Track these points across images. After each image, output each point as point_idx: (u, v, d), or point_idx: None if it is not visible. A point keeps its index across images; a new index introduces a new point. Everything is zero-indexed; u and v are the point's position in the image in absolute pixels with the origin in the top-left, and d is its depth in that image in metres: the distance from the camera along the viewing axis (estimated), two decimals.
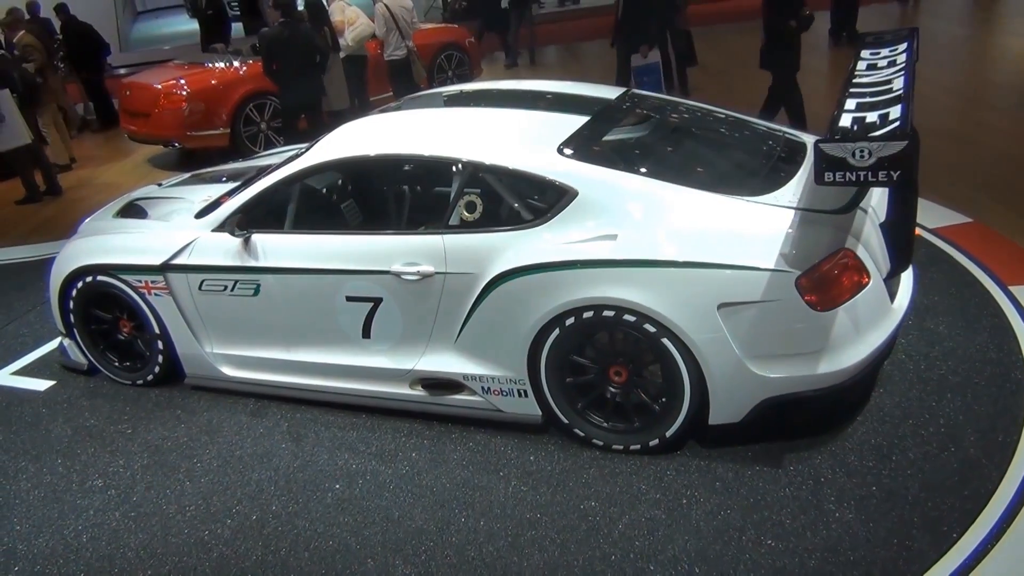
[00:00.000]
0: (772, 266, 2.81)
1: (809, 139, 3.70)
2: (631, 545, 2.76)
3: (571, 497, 3.02)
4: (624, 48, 8.19)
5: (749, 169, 3.41)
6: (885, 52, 3.66)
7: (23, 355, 4.80)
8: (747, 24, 12.92)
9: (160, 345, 4.02)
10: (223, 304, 3.77)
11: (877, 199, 3.20)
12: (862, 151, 2.49)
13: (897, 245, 3.08)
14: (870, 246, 3.01)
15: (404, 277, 3.31)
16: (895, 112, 2.76)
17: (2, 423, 4.07)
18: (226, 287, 3.73)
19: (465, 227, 3.28)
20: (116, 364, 4.25)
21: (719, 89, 8.90)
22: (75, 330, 4.24)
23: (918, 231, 3.40)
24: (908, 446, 3.06)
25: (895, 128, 2.58)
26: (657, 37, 8.89)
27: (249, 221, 3.66)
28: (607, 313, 3.00)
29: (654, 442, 3.15)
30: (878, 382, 3.42)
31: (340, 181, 3.94)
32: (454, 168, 3.40)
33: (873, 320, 3.00)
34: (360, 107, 8.08)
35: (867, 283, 2.94)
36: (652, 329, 2.95)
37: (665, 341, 2.95)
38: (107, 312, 4.16)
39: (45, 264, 4.40)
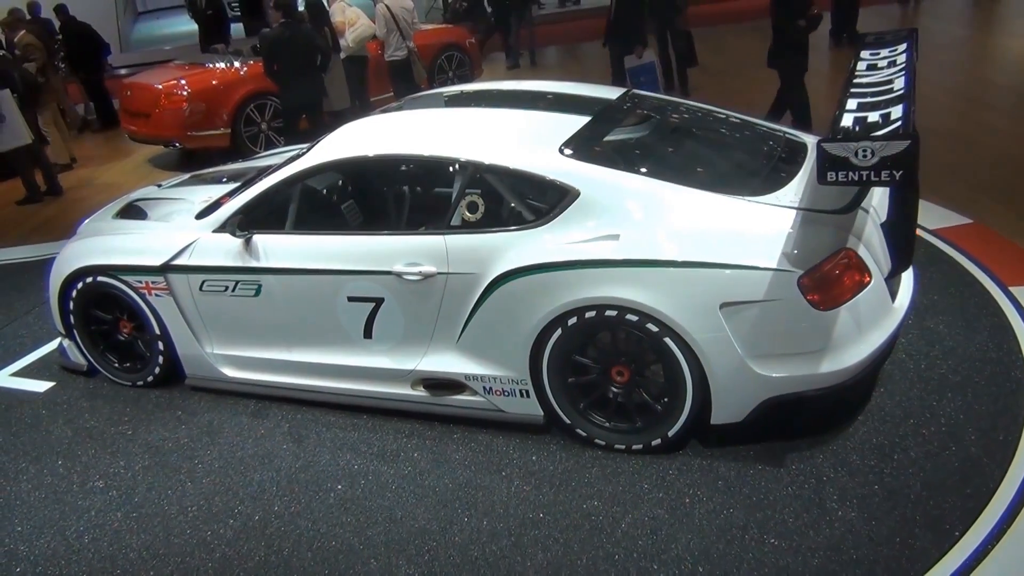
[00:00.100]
0: (774, 265, 2.81)
1: (810, 139, 3.71)
2: (634, 544, 2.76)
3: (574, 497, 3.02)
4: (617, 49, 8.21)
5: (750, 169, 3.42)
6: (885, 52, 3.67)
7: (22, 356, 4.79)
8: (747, 25, 12.99)
9: (160, 346, 4.01)
10: (224, 305, 3.77)
11: (878, 199, 3.21)
12: (865, 151, 2.50)
13: (898, 245, 3.09)
14: (871, 246, 3.02)
15: (406, 277, 3.31)
16: (897, 112, 2.77)
17: (2, 424, 4.06)
18: (227, 288, 3.72)
19: (467, 227, 3.28)
20: (116, 365, 4.25)
21: (719, 90, 8.92)
22: (75, 331, 4.24)
23: (918, 232, 3.40)
24: (909, 445, 3.06)
25: (898, 128, 2.59)
26: (657, 37, 8.92)
27: (250, 222, 3.66)
28: (609, 313, 3.00)
29: (656, 442, 3.15)
30: (879, 381, 3.43)
31: (341, 181, 3.94)
32: (455, 168, 3.41)
33: (874, 319, 3.01)
34: (361, 107, 8.08)
35: (868, 282, 2.94)
36: (654, 329, 2.96)
37: (667, 341, 2.96)
38: (107, 313, 4.15)
39: (45, 264, 4.39)
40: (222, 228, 3.73)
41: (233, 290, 3.71)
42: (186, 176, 5.30)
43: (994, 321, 3.83)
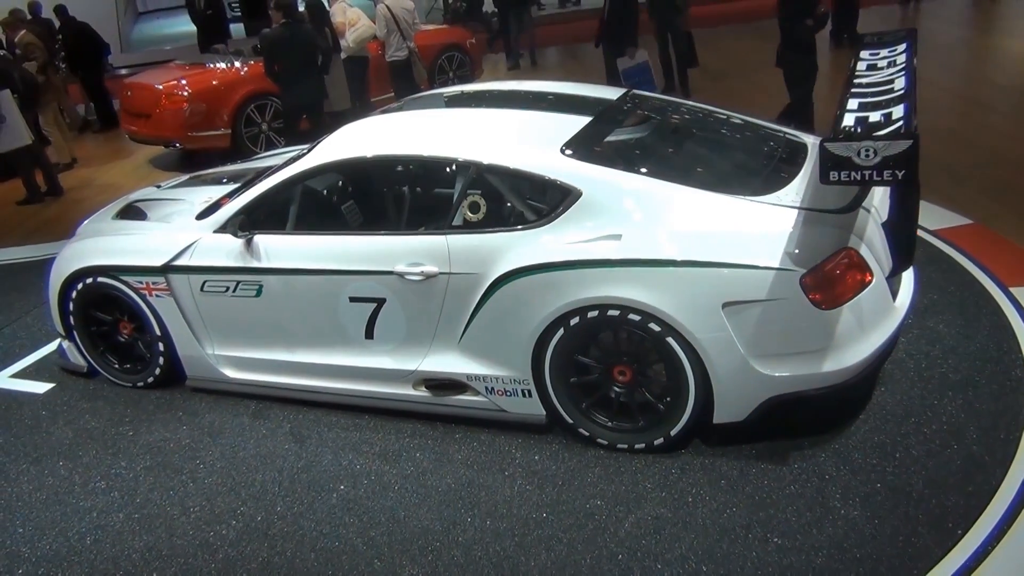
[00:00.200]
0: (776, 265, 2.82)
1: (810, 139, 3.72)
2: (638, 544, 2.76)
3: (577, 496, 3.02)
4: (610, 50, 8.22)
5: (751, 169, 3.42)
6: (885, 53, 3.68)
7: (21, 357, 4.78)
8: (748, 26, 13.02)
9: (161, 347, 4.01)
10: (225, 305, 3.76)
11: (879, 198, 3.22)
12: (867, 150, 2.51)
13: (899, 244, 3.10)
14: (872, 245, 3.03)
15: (408, 277, 3.31)
16: (898, 112, 2.78)
17: (2, 426, 4.05)
18: (228, 288, 3.72)
19: (469, 227, 3.29)
20: (116, 366, 4.24)
21: (720, 90, 8.92)
22: (75, 332, 4.23)
23: (918, 232, 3.41)
24: (911, 444, 3.07)
25: (900, 127, 2.60)
26: (657, 38, 8.93)
27: (251, 222, 3.66)
28: (612, 313, 3.01)
29: (659, 441, 3.16)
30: (880, 380, 3.44)
31: (343, 182, 3.94)
32: (457, 169, 3.41)
33: (876, 319, 3.01)
34: (361, 108, 8.08)
35: (870, 282, 2.95)
36: (657, 328, 2.96)
37: (670, 340, 2.96)
38: (107, 314, 4.15)
39: (46, 265, 4.38)
40: (223, 228, 3.73)
41: (234, 291, 3.71)
42: (185, 177, 5.29)
43: (994, 321, 3.84)
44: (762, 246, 2.88)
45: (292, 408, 3.83)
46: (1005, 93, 8.08)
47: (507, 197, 3.31)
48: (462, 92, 4.55)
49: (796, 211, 2.99)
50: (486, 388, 3.36)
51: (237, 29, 13.67)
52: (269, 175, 3.80)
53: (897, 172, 2.52)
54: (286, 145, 7.30)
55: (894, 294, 3.18)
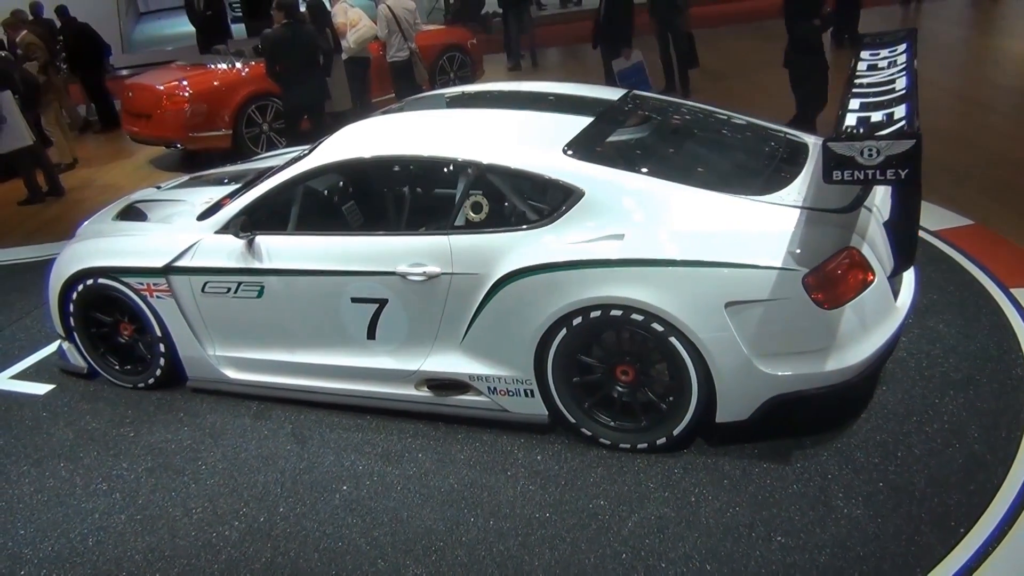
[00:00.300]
0: (779, 264, 2.83)
1: (810, 139, 3.73)
2: (641, 543, 2.77)
3: (580, 496, 3.03)
4: (607, 51, 8.24)
5: (753, 169, 3.43)
6: (885, 53, 3.69)
7: (21, 359, 4.77)
8: (749, 26, 13.05)
9: (162, 348, 4.00)
10: (227, 306, 3.76)
11: (880, 198, 3.23)
12: (870, 150, 2.52)
13: (900, 244, 3.11)
14: (874, 244, 3.04)
15: (410, 278, 3.31)
16: (900, 111, 2.79)
17: (2, 427, 4.04)
18: (230, 289, 3.71)
19: (471, 228, 3.29)
20: (117, 367, 4.23)
21: (720, 91, 8.93)
22: (75, 333, 4.22)
23: (919, 232, 3.42)
24: (913, 443, 3.08)
25: (903, 127, 2.61)
26: (658, 38, 8.94)
27: (253, 223, 3.66)
28: (615, 312, 3.01)
29: (661, 441, 3.16)
30: (881, 379, 3.44)
31: (345, 183, 3.94)
32: (459, 169, 3.42)
33: (878, 318, 3.02)
34: (362, 109, 8.09)
35: (872, 281, 2.96)
36: (660, 328, 2.97)
37: (673, 340, 2.97)
38: (108, 315, 4.14)
39: (47, 266, 4.37)
40: (225, 229, 3.73)
41: (236, 291, 3.70)
42: (185, 178, 5.29)
43: (994, 320, 3.85)
44: (764, 246, 2.88)
45: (293, 409, 3.83)
46: (1006, 93, 8.09)
47: (509, 197, 3.32)
48: (463, 93, 4.56)
49: (798, 211, 3.00)
50: (488, 388, 3.36)
51: (238, 30, 13.66)
52: (270, 176, 3.80)
53: (900, 171, 2.53)
54: (287, 146, 7.30)
55: (895, 294, 3.18)
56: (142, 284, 3.89)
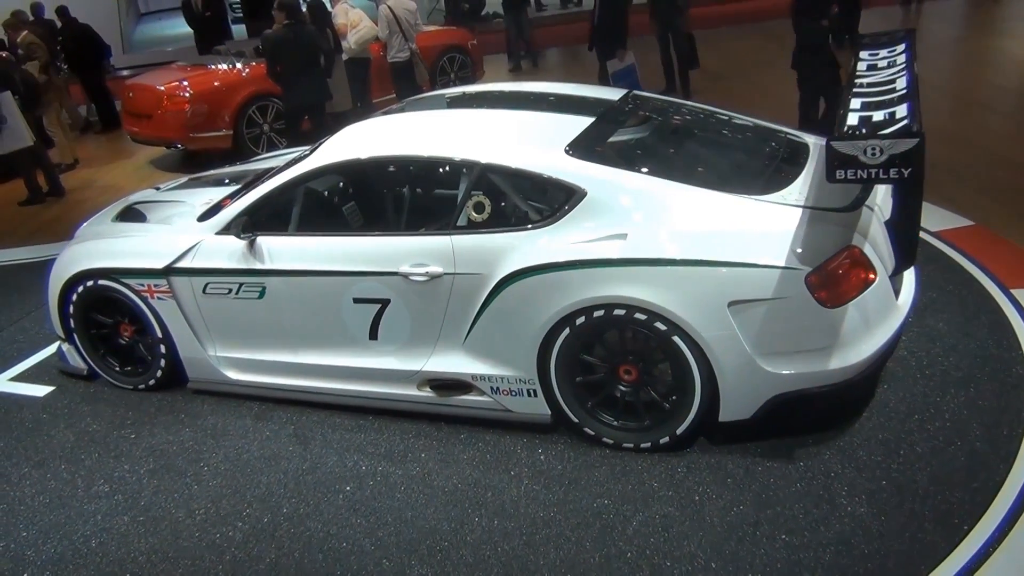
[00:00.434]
0: (782, 264, 2.84)
1: (811, 139, 3.75)
2: (646, 542, 2.77)
3: (584, 495, 3.03)
4: (602, 52, 8.26)
5: (755, 168, 3.44)
6: (884, 53, 3.71)
7: (20, 360, 4.75)
8: (749, 27, 13.09)
9: (162, 349, 3.99)
10: (228, 307, 3.75)
11: (881, 197, 3.25)
12: (874, 149, 2.53)
13: (902, 242, 3.12)
14: (876, 243, 3.05)
15: (412, 278, 3.31)
16: (902, 111, 2.80)
17: (2, 429, 4.03)
18: (231, 290, 3.71)
19: (473, 228, 3.29)
20: (117, 369, 4.22)
21: (721, 92, 8.95)
22: (75, 335, 4.21)
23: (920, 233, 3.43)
24: (915, 441, 3.09)
25: (906, 125, 2.62)
26: (658, 39, 8.97)
27: (254, 224, 3.65)
28: (618, 312, 3.01)
29: (665, 440, 3.17)
30: (882, 378, 3.45)
31: (346, 183, 3.94)
32: (461, 169, 3.42)
33: (880, 317, 3.03)
34: (363, 109, 8.09)
35: (874, 280, 2.97)
36: (663, 327, 2.97)
37: (676, 339, 2.97)
38: (108, 316, 4.13)
39: (47, 266, 4.35)
40: (226, 230, 3.72)
41: (237, 292, 3.70)
42: (184, 179, 5.28)
43: (993, 319, 3.87)
44: (767, 245, 2.89)
45: (295, 409, 3.83)
46: (1006, 94, 8.11)
47: (511, 197, 3.32)
48: (464, 93, 4.56)
49: (800, 210, 3.01)
50: (491, 388, 3.37)
51: (239, 30, 13.65)
52: (271, 176, 3.80)
53: (903, 170, 2.54)
54: (288, 146, 7.30)
55: (896, 292, 3.20)
56: (143, 285, 3.88)
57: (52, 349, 4.67)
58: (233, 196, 4.02)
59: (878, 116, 2.84)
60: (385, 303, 3.43)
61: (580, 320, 3.08)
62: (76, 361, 4.31)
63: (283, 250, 3.60)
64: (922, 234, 4.55)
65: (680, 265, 2.93)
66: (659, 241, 3.00)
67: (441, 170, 3.80)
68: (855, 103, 3.06)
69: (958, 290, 4.16)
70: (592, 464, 3.20)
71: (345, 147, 3.76)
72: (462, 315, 3.30)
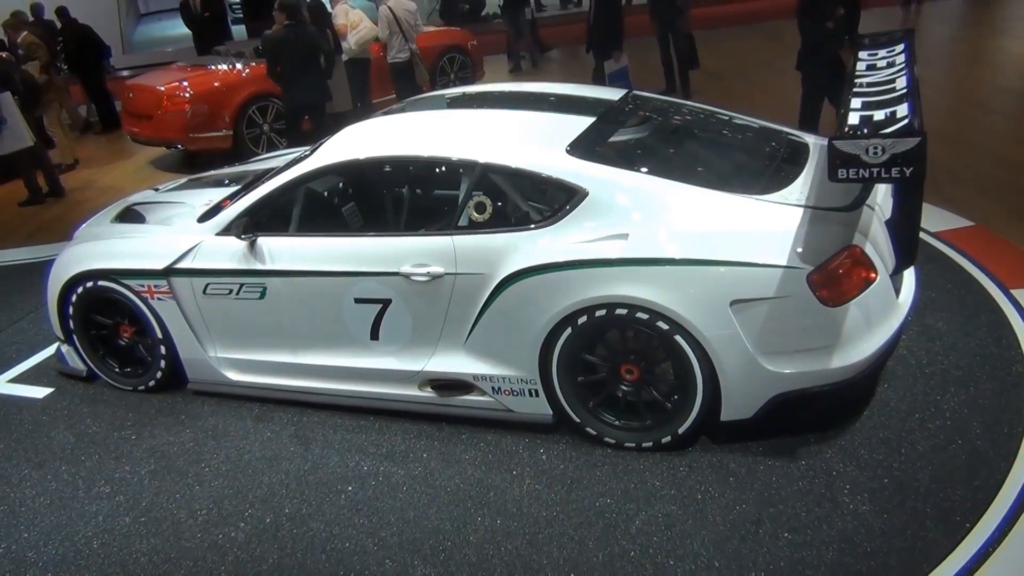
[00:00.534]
0: (784, 263, 2.84)
1: (811, 139, 3.76)
2: (649, 541, 2.77)
3: (586, 495, 3.03)
4: (598, 53, 8.28)
5: (755, 168, 3.45)
6: (883, 53, 3.72)
7: (19, 362, 4.74)
8: (749, 27, 13.11)
9: (163, 350, 3.99)
10: (229, 308, 3.75)
11: (882, 196, 3.26)
12: (876, 148, 2.54)
13: (902, 242, 3.13)
14: (877, 243, 3.06)
15: (413, 278, 3.31)
16: (903, 110, 2.81)
17: (2, 431, 4.02)
18: (232, 291, 3.71)
19: (474, 228, 3.29)
20: (117, 370, 4.21)
21: (721, 92, 8.96)
22: (74, 336, 4.20)
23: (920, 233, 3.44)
24: (916, 439, 3.10)
25: (908, 125, 2.63)
26: (659, 39, 8.98)
27: (254, 224, 3.65)
28: (620, 311, 3.02)
29: (666, 439, 3.17)
30: (882, 377, 3.46)
31: (347, 183, 3.94)
32: (461, 169, 3.42)
33: (880, 315, 3.04)
34: (363, 109, 8.10)
35: (875, 279, 2.98)
36: (665, 327, 2.98)
37: (678, 338, 2.98)
38: (108, 317, 4.12)
39: (47, 267, 4.34)
40: (226, 231, 3.72)
41: (238, 293, 3.69)
42: (183, 180, 5.27)
43: (992, 318, 3.88)
44: (769, 244, 2.90)
45: (295, 410, 3.82)
46: (1006, 95, 8.12)
47: (513, 197, 3.32)
48: (464, 93, 4.56)
49: (801, 209, 3.01)
50: (492, 388, 3.37)
51: (239, 31, 13.65)
52: (272, 177, 3.79)
53: (905, 169, 2.55)
54: (288, 146, 7.30)
55: (896, 291, 3.21)
56: (143, 286, 3.87)
57: (51, 350, 4.66)
58: (233, 197, 4.01)
59: (879, 116, 2.84)
60: (386, 303, 3.43)
61: (582, 320, 3.08)
62: (75, 362, 4.30)
63: (284, 250, 3.60)
64: (922, 234, 4.57)
65: (682, 264, 2.94)
66: (661, 241, 3.01)
67: (442, 170, 3.81)
68: (856, 103, 3.07)
69: (957, 289, 4.17)
70: (594, 463, 3.20)
71: (345, 147, 3.76)
72: (463, 315, 3.30)
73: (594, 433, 3.28)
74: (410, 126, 4.00)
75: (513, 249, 3.17)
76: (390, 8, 8.05)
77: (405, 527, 2.99)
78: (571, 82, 4.74)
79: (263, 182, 3.81)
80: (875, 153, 2.54)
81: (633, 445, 3.23)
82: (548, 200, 3.27)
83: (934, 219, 4.89)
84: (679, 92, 8.90)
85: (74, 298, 4.09)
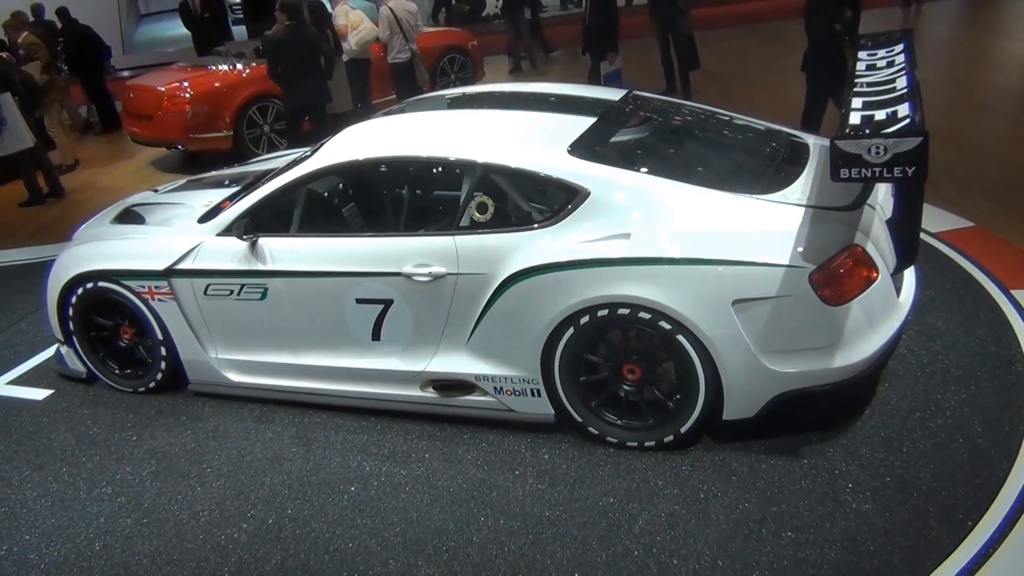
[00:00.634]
0: (786, 262, 2.85)
1: (811, 139, 3.76)
2: (652, 540, 2.78)
3: (589, 494, 3.03)
4: (594, 55, 8.30)
5: (757, 168, 3.45)
6: (882, 53, 3.73)
7: (18, 364, 4.73)
8: (750, 28, 13.13)
9: (163, 351, 3.98)
10: (229, 309, 3.74)
11: (883, 196, 3.27)
12: (878, 147, 2.54)
13: (903, 241, 3.14)
14: (878, 242, 3.07)
15: (415, 278, 3.31)
16: (903, 110, 2.82)
17: (2, 432, 4.01)
18: (232, 291, 3.70)
19: (476, 228, 3.29)
20: (117, 372, 4.20)
21: (721, 92, 8.97)
22: (74, 337, 4.19)
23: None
24: (918, 438, 3.11)
25: (910, 124, 2.64)
26: (659, 40, 8.99)
27: (255, 225, 3.65)
28: (622, 311, 3.02)
29: (669, 438, 3.17)
30: (883, 376, 3.47)
31: (348, 184, 3.94)
32: (463, 169, 3.42)
33: (882, 315, 3.05)
34: (363, 110, 8.10)
35: (876, 278, 2.99)
36: (667, 326, 2.98)
37: (680, 338, 2.98)
38: (108, 319, 4.11)
39: (46, 268, 4.33)
40: (227, 232, 3.71)
41: (239, 294, 3.69)
42: (182, 180, 5.27)
43: (992, 318, 3.89)
44: (771, 244, 2.91)
45: (296, 411, 3.82)
46: (1007, 95, 8.13)
47: (514, 197, 3.32)
48: (464, 94, 4.56)
49: (802, 209, 3.02)
50: (494, 388, 3.37)
51: (239, 31, 13.64)
52: (272, 178, 3.79)
53: (907, 169, 2.56)
54: (288, 147, 7.30)
55: (897, 291, 3.21)
56: (143, 287, 3.87)
57: (50, 352, 4.65)
58: (233, 198, 4.00)
59: (880, 115, 2.85)
60: (388, 304, 3.43)
61: (584, 319, 3.09)
62: (75, 364, 4.29)
63: (285, 251, 3.59)
64: (923, 235, 4.58)
65: (684, 264, 2.95)
66: (662, 240, 3.01)
67: (442, 171, 3.81)
68: (856, 103, 3.08)
69: (957, 289, 4.18)
70: (597, 463, 3.20)
71: (346, 148, 3.76)
72: (465, 315, 3.30)
73: (596, 433, 3.28)
74: (411, 127, 4.00)
75: (515, 249, 3.17)
76: (390, 8, 8.06)
77: (408, 527, 2.99)
78: (571, 82, 4.75)
79: (264, 183, 3.81)
80: (877, 153, 2.55)
81: (635, 444, 3.23)
82: (549, 200, 3.27)
83: (934, 219, 4.89)
84: (679, 92, 8.91)
85: (74, 299, 4.08)
